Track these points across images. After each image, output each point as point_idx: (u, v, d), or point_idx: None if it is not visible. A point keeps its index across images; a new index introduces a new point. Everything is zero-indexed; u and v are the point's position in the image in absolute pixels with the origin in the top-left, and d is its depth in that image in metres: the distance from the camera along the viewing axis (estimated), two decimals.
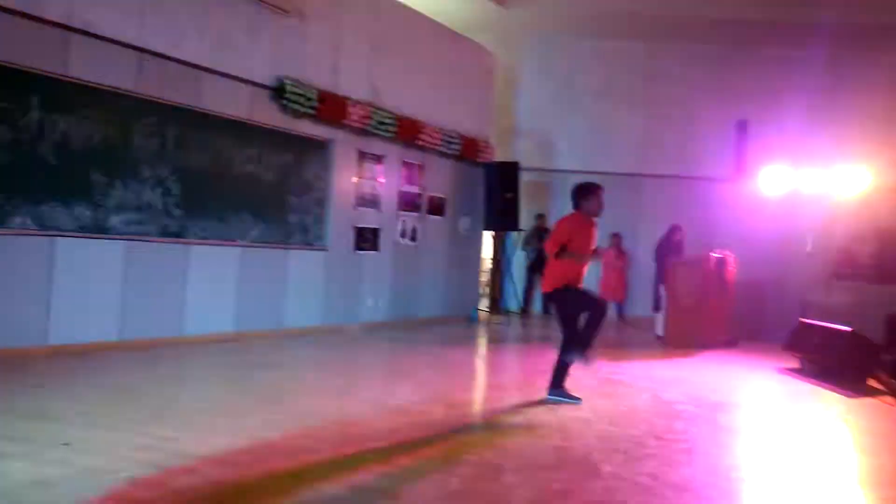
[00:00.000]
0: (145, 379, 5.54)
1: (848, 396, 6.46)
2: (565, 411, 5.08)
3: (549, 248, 5.39)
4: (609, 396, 5.80)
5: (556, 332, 5.48)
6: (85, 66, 6.16)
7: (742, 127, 12.07)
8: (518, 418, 4.90)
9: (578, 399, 5.33)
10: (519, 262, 12.18)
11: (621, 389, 6.17)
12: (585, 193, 5.51)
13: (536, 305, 12.33)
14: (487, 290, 12.49)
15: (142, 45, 6.56)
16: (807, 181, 10.19)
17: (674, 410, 5.50)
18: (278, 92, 7.84)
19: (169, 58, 6.80)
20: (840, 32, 10.72)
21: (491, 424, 4.76)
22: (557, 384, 5.38)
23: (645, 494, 3.48)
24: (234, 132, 7.51)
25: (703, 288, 9.41)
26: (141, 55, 6.57)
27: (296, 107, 7.96)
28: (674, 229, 10.31)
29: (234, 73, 7.43)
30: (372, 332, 9.06)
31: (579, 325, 5.35)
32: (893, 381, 6.88)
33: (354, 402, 5.22)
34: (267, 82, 7.78)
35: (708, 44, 12.25)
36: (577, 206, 5.54)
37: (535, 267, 12.19)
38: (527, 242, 11.87)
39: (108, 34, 6.27)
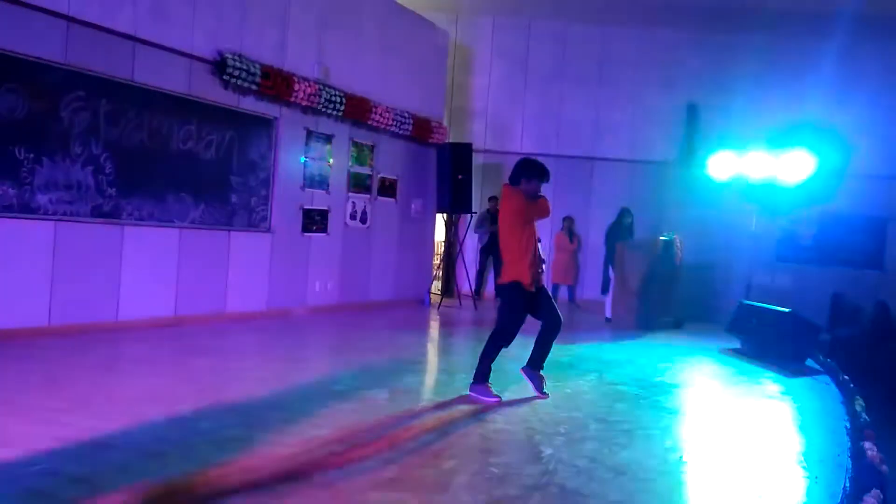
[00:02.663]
0: (74, 366, 5.29)
1: (786, 376, 6.61)
2: (510, 395, 5.04)
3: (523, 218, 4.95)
4: (554, 379, 5.78)
5: None
6: (8, 35, 5.79)
7: (692, 111, 12.18)
8: (464, 403, 4.84)
9: (498, 398, 4.87)
10: (472, 244, 12.12)
11: (567, 372, 6.17)
12: (532, 173, 5.01)
13: (489, 288, 12.30)
14: (440, 273, 12.40)
15: (70, 13, 6.20)
16: (753, 165, 10.35)
17: (617, 392, 5.53)
18: (219, 66, 7.55)
19: (100, 28, 6.46)
20: (781, 18, 10.95)
21: (436, 409, 4.68)
22: (481, 379, 4.93)
23: (582, 477, 3.46)
24: (172, 107, 7.20)
25: (650, 271, 9.51)
26: (70, 24, 6.22)
27: (238, 82, 7.69)
28: (623, 213, 10.36)
29: (171, 45, 7.11)
30: (320, 317, 8.89)
31: (517, 325, 4.94)
32: (829, 360, 7.06)
33: (295, 389, 5.08)
34: (207, 56, 7.49)
35: (660, 27, 12.29)
36: (516, 181, 5.03)
37: (488, 250, 12.16)
38: (479, 225, 11.80)
39: (33, 1, 5.91)
